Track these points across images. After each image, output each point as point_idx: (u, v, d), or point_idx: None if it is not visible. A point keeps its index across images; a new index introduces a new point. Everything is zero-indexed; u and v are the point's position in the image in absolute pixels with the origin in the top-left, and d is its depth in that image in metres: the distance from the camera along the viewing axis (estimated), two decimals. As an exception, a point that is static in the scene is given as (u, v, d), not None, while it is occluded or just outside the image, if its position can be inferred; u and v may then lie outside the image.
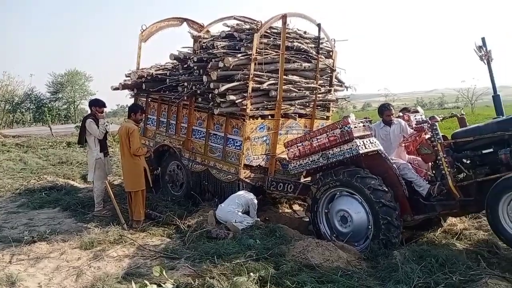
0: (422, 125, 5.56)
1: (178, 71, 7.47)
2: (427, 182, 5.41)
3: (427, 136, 5.48)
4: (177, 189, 7.91)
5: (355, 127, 5.23)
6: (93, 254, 5.08)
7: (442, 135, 5.21)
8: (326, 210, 5.66)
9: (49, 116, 33.16)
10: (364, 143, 5.17)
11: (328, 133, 5.37)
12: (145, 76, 8.12)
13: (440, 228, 5.92)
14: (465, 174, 5.11)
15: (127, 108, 8.43)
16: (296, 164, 5.73)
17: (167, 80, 7.60)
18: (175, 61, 7.73)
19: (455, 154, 5.17)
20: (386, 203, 5.03)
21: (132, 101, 8.74)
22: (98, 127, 6.82)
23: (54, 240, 5.49)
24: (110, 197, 6.46)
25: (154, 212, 6.81)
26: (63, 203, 7.52)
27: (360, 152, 5.08)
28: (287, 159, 6.05)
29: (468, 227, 6.04)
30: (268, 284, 4.04)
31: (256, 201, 6.30)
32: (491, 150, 4.98)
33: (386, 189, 5.14)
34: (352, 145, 5.11)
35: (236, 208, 6.04)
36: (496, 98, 5.43)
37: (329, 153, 5.36)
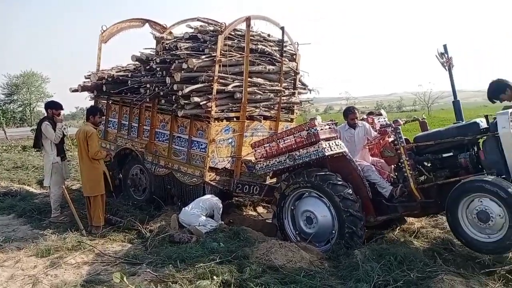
0: (385, 128, 5.68)
1: (140, 73, 7.29)
2: (389, 184, 5.52)
3: (390, 139, 5.60)
4: (140, 194, 7.74)
5: (321, 129, 5.28)
6: (50, 261, 4.89)
7: (404, 139, 5.33)
8: (292, 207, 5.68)
9: (3, 119, 31.72)
10: (330, 145, 5.24)
11: (295, 135, 5.41)
12: (106, 78, 7.91)
13: (398, 227, 6.06)
14: (426, 176, 5.23)
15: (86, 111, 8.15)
16: (263, 165, 5.73)
17: (129, 82, 7.41)
18: (137, 62, 7.55)
19: (416, 157, 5.29)
20: (354, 213, 5.10)
21: (91, 103, 8.48)
22: (55, 130, 6.58)
23: (9, 248, 5.27)
24: (67, 202, 6.23)
25: (115, 217, 6.64)
26: (18, 209, 7.22)
27: (326, 154, 5.14)
28: (254, 160, 6.04)
29: (425, 225, 6.21)
30: (232, 287, 4.03)
31: (221, 205, 6.25)
32: (451, 154, 5.12)
33: (356, 199, 5.21)
34: (318, 147, 5.16)
35: (200, 212, 5.98)
36: (456, 103, 5.60)
37: (296, 154, 5.38)
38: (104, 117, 7.58)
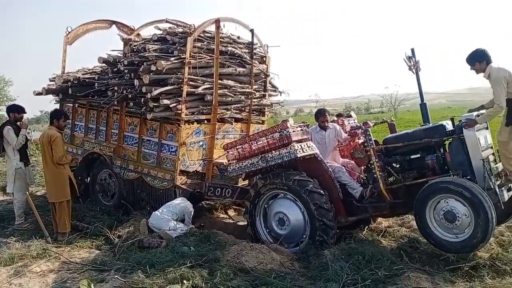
0: (355, 130, 5.77)
1: (108, 75, 7.14)
2: (359, 185, 5.59)
3: (360, 141, 5.66)
4: (108, 199, 7.56)
5: (293, 131, 5.31)
6: (14, 270, 4.72)
7: (374, 140, 5.40)
8: (266, 205, 5.68)
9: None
10: (301, 147, 5.27)
11: (267, 137, 5.41)
12: (72, 80, 7.68)
13: (366, 227, 6.16)
14: (394, 177, 5.32)
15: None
16: (236, 166, 5.69)
17: (96, 84, 7.23)
18: (104, 64, 7.39)
19: (386, 158, 5.37)
20: (327, 222, 5.15)
21: (57, 107, 8.24)
22: (18, 135, 6.36)
23: (-30, 258, 5.04)
24: (32, 209, 6.05)
25: (81, 223, 6.48)
26: (-21, 217, 6.89)
27: (298, 156, 5.17)
28: (226, 161, 6.00)
29: (392, 224, 6.36)
30: None
31: (192, 209, 6.17)
32: (419, 155, 5.21)
33: (330, 208, 5.26)
34: (290, 149, 5.18)
35: (171, 216, 5.90)
36: (423, 106, 5.70)
37: (268, 156, 5.38)
38: (69, 121, 7.37)
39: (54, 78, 8.02)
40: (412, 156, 5.30)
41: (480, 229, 4.34)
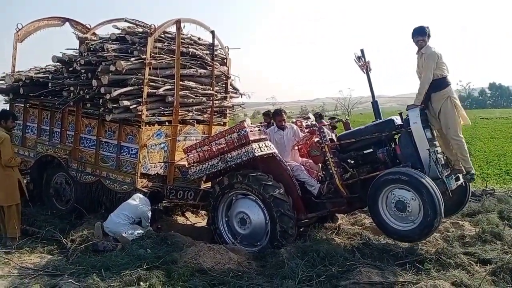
0: (312, 128, 5.90)
1: (62, 75, 6.84)
2: (318, 182, 5.73)
3: (316, 139, 5.81)
4: (63, 204, 7.28)
5: (251, 131, 5.40)
6: (-41, 277, 4.48)
7: (330, 138, 5.56)
8: (233, 198, 5.74)
9: None
10: (259, 146, 5.36)
11: (226, 138, 5.48)
12: (23, 80, 7.32)
13: (321, 226, 6.30)
14: (350, 173, 5.50)
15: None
16: (196, 169, 5.73)
17: (50, 84, 6.93)
18: (58, 64, 7.09)
19: (341, 154, 5.55)
20: (284, 212, 5.27)
21: (6, 107, 7.81)
22: None
23: None
24: None
25: (32, 227, 6.24)
26: None
27: (256, 155, 5.24)
28: (187, 165, 5.94)
29: (345, 222, 6.63)
30: None
31: (149, 212, 6.02)
32: (371, 150, 5.42)
33: (286, 199, 5.35)
34: (248, 149, 5.25)
35: (127, 220, 5.77)
36: (374, 103, 5.94)
37: (228, 156, 5.45)
38: (17, 122, 6.97)
39: (4, 77, 7.64)
40: (365, 151, 5.49)
41: (428, 206, 4.52)
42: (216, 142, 5.55)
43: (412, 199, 4.65)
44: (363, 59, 5.87)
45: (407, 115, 5.13)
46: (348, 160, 5.54)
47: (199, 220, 7.45)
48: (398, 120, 5.36)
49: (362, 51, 5.89)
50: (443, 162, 5.25)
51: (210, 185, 6.85)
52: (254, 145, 5.29)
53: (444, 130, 5.20)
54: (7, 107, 7.77)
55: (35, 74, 7.49)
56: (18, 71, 7.77)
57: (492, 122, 25.48)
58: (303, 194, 5.61)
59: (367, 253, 4.95)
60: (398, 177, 4.70)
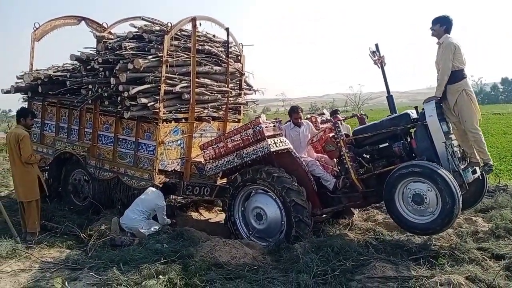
0: (326, 123, 5.92)
1: (80, 73, 6.98)
2: (333, 177, 5.76)
3: (331, 134, 5.82)
4: (81, 200, 7.41)
5: (266, 127, 5.43)
6: (-17, 271, 4.60)
7: (345, 133, 5.56)
8: (245, 200, 5.83)
9: None
10: (275, 142, 5.39)
11: (241, 134, 5.51)
12: (42, 78, 7.46)
13: (335, 221, 6.35)
14: (365, 167, 5.49)
15: (9, 113, 7.62)
16: (212, 165, 5.77)
17: (68, 83, 7.06)
18: (75, 62, 7.23)
19: (356, 149, 5.54)
20: (298, 201, 5.30)
21: (25, 105, 7.96)
22: None
23: None
24: None
25: (50, 223, 6.38)
26: None
27: (271, 150, 5.28)
28: (203, 161, 6.02)
29: (358, 218, 6.63)
30: (178, 284, 4.08)
31: (163, 205, 6.05)
32: (387, 144, 5.38)
33: (299, 189, 5.38)
34: (264, 144, 5.30)
35: (143, 216, 5.85)
36: (389, 98, 5.93)
37: (243, 152, 5.49)
38: (36, 120, 7.12)
39: (23, 75, 7.78)
40: (381, 145, 5.45)
41: (446, 194, 4.50)
42: (232, 138, 5.59)
43: (428, 190, 4.63)
44: (377, 53, 5.85)
45: (423, 109, 5.11)
46: (364, 155, 5.52)
47: (213, 216, 7.52)
48: (413, 114, 5.35)
49: (376, 45, 5.88)
50: (459, 155, 5.23)
51: (225, 181, 6.93)
52: (270, 141, 5.33)
53: (461, 123, 5.15)
54: (25, 105, 7.91)
55: (53, 72, 7.63)
56: (36, 70, 7.91)
57: (504, 118, 25.25)
58: (318, 189, 5.63)
59: (381, 248, 4.99)
60: (411, 170, 4.71)
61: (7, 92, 7.73)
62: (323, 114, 7.39)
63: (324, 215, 5.85)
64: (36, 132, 7.79)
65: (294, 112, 6.20)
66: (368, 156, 5.54)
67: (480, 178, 5.46)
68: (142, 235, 5.53)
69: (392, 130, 5.30)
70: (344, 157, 5.41)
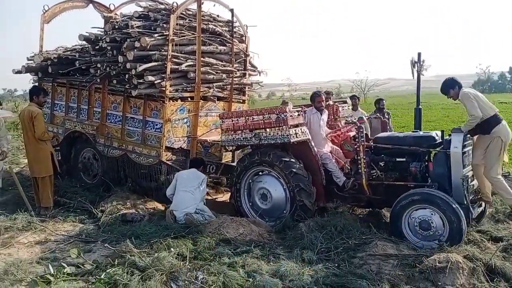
0: (351, 125, 5.93)
1: (89, 53, 7.07)
2: (343, 174, 5.74)
3: (352, 134, 5.83)
4: (91, 178, 7.61)
5: (290, 116, 5.43)
6: (1, 241, 4.82)
7: (365, 134, 5.50)
8: (250, 180, 5.93)
9: None
10: (295, 132, 5.42)
11: (264, 116, 5.53)
12: (52, 59, 7.59)
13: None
14: (377, 175, 5.43)
15: (15, 92, 7.73)
16: (228, 137, 5.83)
17: (77, 62, 7.18)
18: (84, 42, 7.33)
19: (373, 156, 5.52)
20: (303, 186, 5.41)
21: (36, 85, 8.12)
22: None
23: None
24: (16, 183, 6.14)
25: (63, 198, 6.58)
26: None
27: (291, 141, 5.35)
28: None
29: None
30: (188, 257, 4.24)
31: (204, 176, 6.00)
32: (404, 159, 5.35)
33: (306, 174, 5.46)
34: (285, 133, 5.35)
35: (192, 190, 5.68)
36: (417, 111, 5.90)
37: (262, 134, 5.54)
38: (48, 97, 7.25)
39: (33, 56, 7.91)
40: (398, 159, 5.41)
41: (450, 214, 4.52)
42: (254, 117, 5.61)
43: (432, 214, 4.67)
44: (418, 64, 5.75)
45: (450, 135, 5.06)
46: (379, 163, 5.52)
47: (220, 195, 7.67)
48: (438, 137, 5.30)
49: (419, 55, 5.76)
50: (472, 189, 5.22)
51: (231, 159, 7.11)
52: (291, 131, 5.36)
53: (486, 167, 5.16)
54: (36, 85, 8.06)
55: (62, 53, 7.77)
56: (46, 51, 8.05)
57: (511, 107, 25.03)
58: (327, 183, 5.66)
59: (383, 228, 5.08)
60: (410, 199, 4.74)
61: (18, 72, 7.88)
62: (345, 103, 7.32)
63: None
64: (46, 112, 7.93)
65: (317, 95, 6.07)
66: (382, 165, 5.51)
67: (483, 210, 5.52)
68: (194, 222, 5.34)
69: (413, 149, 5.24)
70: (360, 161, 5.38)
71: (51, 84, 7.96)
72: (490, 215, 5.58)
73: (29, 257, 4.44)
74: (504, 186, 5.17)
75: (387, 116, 8.59)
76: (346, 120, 6.56)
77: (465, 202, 4.76)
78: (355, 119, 6.37)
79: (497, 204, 5.88)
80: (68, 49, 8.01)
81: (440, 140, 5.25)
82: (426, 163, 5.30)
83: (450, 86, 5.30)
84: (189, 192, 5.68)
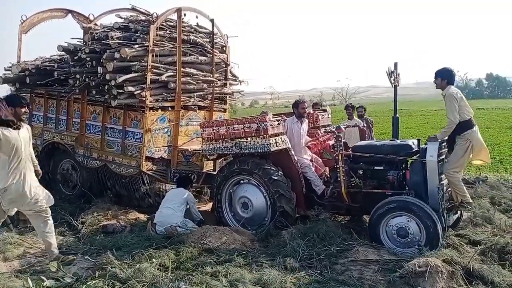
0: (328, 133, 5.99)
1: (68, 64, 7.05)
2: (322, 182, 5.81)
3: (331, 142, 5.89)
4: (70, 189, 7.52)
5: (271, 125, 5.48)
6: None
7: (343, 142, 5.55)
8: (231, 190, 5.94)
9: None
10: (276, 141, 5.47)
11: (244, 125, 5.57)
12: (29, 69, 7.52)
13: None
14: (356, 183, 5.47)
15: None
16: (209, 146, 5.87)
17: (55, 73, 7.12)
18: (63, 53, 7.29)
19: (352, 164, 5.54)
20: (282, 192, 5.44)
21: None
22: None
23: None
24: None
25: None
26: None
27: (271, 150, 5.40)
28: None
29: None
30: (170, 268, 4.23)
31: (192, 197, 6.12)
32: (382, 167, 5.39)
33: (285, 181, 5.51)
34: (265, 142, 5.39)
35: (178, 208, 5.72)
36: (395, 119, 5.98)
37: (243, 143, 5.58)
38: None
39: (10, 67, 7.82)
40: (376, 167, 5.45)
41: (426, 219, 4.59)
42: (234, 126, 5.64)
43: (408, 221, 4.73)
44: (395, 73, 5.83)
45: (426, 144, 5.12)
46: (358, 171, 5.55)
47: (202, 205, 7.65)
48: (414, 146, 5.36)
49: (395, 65, 5.85)
50: (447, 197, 5.29)
51: (212, 168, 7.11)
52: (272, 140, 5.40)
53: (448, 163, 5.23)
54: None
55: (41, 63, 7.70)
56: (24, 61, 7.96)
57: (488, 113, 25.71)
58: (306, 191, 5.71)
59: (364, 234, 5.15)
60: (387, 207, 4.80)
61: (-5, 83, 7.75)
62: (325, 111, 7.39)
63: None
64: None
65: (300, 103, 6.14)
66: (361, 173, 5.56)
67: (459, 216, 5.62)
68: (173, 233, 5.35)
69: (391, 157, 5.30)
70: (339, 170, 5.41)
71: (29, 94, 7.86)
72: (468, 219, 5.69)
73: (7, 271, 4.35)
74: (460, 184, 5.21)
75: (369, 124, 8.69)
76: (325, 129, 6.61)
77: (441, 209, 4.83)
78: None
79: (475, 208, 5.98)
80: (47, 59, 7.96)
81: (417, 149, 5.33)
82: (403, 171, 5.37)
83: (441, 76, 5.31)
84: (171, 208, 5.69)
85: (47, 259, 4.67)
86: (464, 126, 5.15)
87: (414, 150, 5.32)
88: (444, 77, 5.29)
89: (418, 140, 5.50)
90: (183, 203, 5.85)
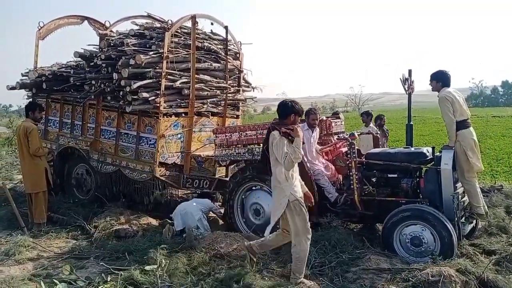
0: (342, 140, 5.98)
1: (84, 70, 7.16)
2: (335, 190, 5.74)
3: (344, 150, 5.86)
4: (84, 194, 7.60)
5: None
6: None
7: (357, 149, 5.51)
8: (243, 196, 5.93)
9: None
10: None
11: (257, 131, 5.60)
12: (46, 75, 7.65)
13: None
14: (369, 191, 5.42)
15: (10, 108, 7.79)
16: (222, 152, 5.93)
17: (71, 79, 7.24)
18: (79, 59, 7.41)
19: (365, 171, 5.51)
20: None
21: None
22: None
23: None
24: (9, 199, 6.08)
25: (56, 214, 6.55)
26: None
27: None
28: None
29: None
30: (183, 272, 4.27)
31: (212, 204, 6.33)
32: (396, 175, 5.33)
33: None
34: None
35: (201, 212, 5.93)
36: (408, 127, 5.96)
37: (255, 150, 5.61)
38: (44, 113, 7.25)
39: (27, 72, 7.96)
40: (390, 175, 5.40)
41: (440, 228, 4.52)
42: (247, 132, 5.67)
43: (423, 230, 4.67)
44: (409, 80, 5.81)
45: (440, 152, 5.11)
46: (371, 179, 5.52)
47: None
48: (429, 153, 5.31)
49: (410, 72, 5.84)
50: (463, 205, 5.26)
51: (224, 174, 7.13)
52: None
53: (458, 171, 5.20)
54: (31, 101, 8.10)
55: (57, 69, 7.83)
56: (41, 67, 8.11)
57: (504, 120, 25.30)
58: (319, 199, 5.63)
59: (376, 242, 5.11)
60: (401, 216, 4.75)
61: (13, 88, 7.94)
62: (339, 118, 7.28)
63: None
64: (40, 128, 7.91)
65: (312, 113, 6.05)
66: (374, 181, 5.52)
67: (475, 226, 5.55)
68: (189, 237, 5.37)
69: (405, 165, 5.24)
70: (352, 177, 5.36)
71: (45, 100, 7.99)
72: (483, 229, 5.59)
73: (21, 274, 4.41)
74: (475, 191, 5.18)
75: (386, 133, 8.62)
76: (338, 136, 6.60)
77: (456, 218, 4.77)
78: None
79: (490, 218, 5.89)
80: (63, 65, 8.09)
81: (431, 157, 5.28)
82: (417, 179, 5.31)
83: (435, 78, 5.37)
84: (196, 214, 5.86)
85: (59, 263, 4.75)
86: (459, 126, 5.22)
87: (428, 158, 5.26)
88: (439, 79, 5.33)
89: (433, 148, 5.45)
90: (206, 210, 6.09)
